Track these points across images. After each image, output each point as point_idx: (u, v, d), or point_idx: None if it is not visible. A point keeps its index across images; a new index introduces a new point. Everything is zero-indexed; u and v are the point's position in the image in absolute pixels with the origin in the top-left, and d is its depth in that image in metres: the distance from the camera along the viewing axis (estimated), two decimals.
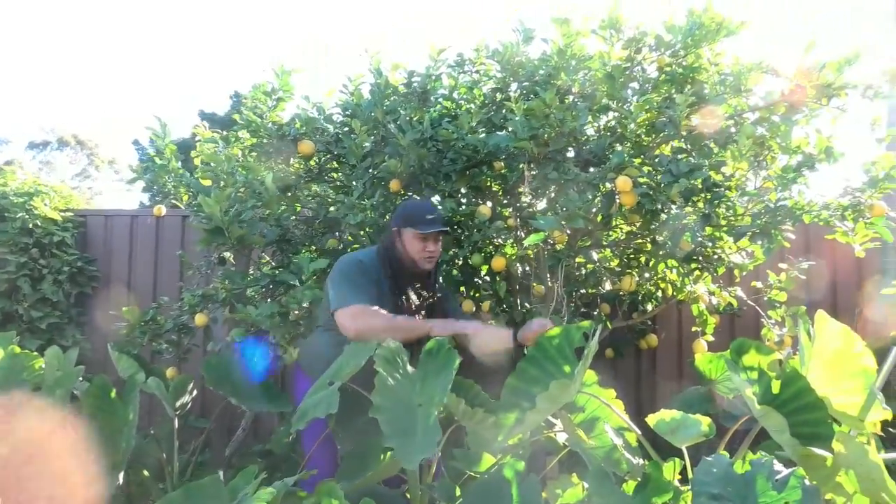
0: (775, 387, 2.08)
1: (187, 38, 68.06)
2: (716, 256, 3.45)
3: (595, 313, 3.77)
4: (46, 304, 4.73)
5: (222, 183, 3.57)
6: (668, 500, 2.08)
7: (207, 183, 3.39)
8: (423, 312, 2.91)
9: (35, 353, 3.28)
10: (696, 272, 3.63)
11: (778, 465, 1.68)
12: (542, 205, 3.50)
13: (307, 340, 2.94)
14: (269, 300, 3.43)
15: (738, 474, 1.68)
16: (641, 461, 2.29)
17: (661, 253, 3.63)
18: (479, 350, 2.59)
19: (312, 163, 3.67)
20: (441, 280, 3.13)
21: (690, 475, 2.25)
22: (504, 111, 3.58)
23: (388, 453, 2.44)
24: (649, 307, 3.92)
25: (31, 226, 4.72)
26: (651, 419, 2.36)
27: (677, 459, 2.26)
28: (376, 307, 2.64)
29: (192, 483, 2.01)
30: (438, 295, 3.02)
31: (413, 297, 2.91)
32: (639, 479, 2.17)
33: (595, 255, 3.78)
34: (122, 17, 67.27)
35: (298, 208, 3.61)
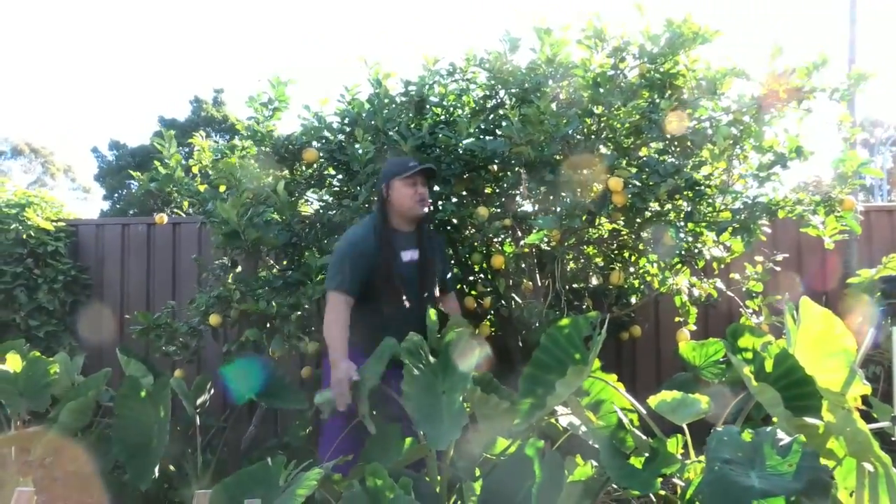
0: (768, 366, 2.31)
1: (142, 43, 67.22)
2: (696, 251, 3.69)
3: (584, 307, 3.98)
4: (42, 313, 4.81)
5: (222, 189, 3.72)
6: (675, 470, 2.30)
7: (222, 189, 3.53)
8: (419, 274, 3.16)
9: (51, 359, 3.40)
10: (678, 266, 3.87)
11: (781, 434, 1.89)
12: (534, 205, 3.72)
13: None
14: (273, 302, 3.60)
15: (746, 442, 1.89)
16: (646, 438, 2.49)
17: (640, 247, 3.86)
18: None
19: (309, 170, 3.84)
20: (441, 246, 3.41)
21: (692, 450, 2.48)
22: (492, 117, 3.78)
23: (409, 439, 2.63)
24: (633, 300, 4.15)
25: (24, 236, 4.80)
26: (652, 400, 2.58)
27: (679, 435, 2.48)
28: (343, 298, 2.98)
29: (243, 470, 2.18)
30: (434, 256, 3.25)
31: (405, 256, 3.14)
32: (646, 455, 2.38)
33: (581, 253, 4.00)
34: (74, 23, 66.25)
35: (303, 213, 3.77)
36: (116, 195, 25.81)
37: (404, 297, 3.07)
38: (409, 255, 3.16)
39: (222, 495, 2.11)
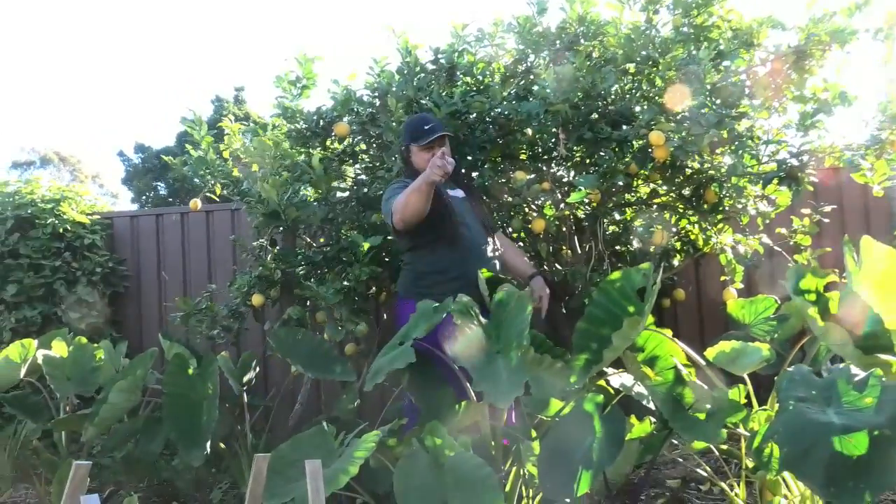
0: (833, 307, 2.23)
1: (162, 45, 67.68)
2: (740, 206, 3.60)
3: None
4: (83, 305, 4.82)
5: (254, 168, 3.69)
6: (740, 419, 2.23)
7: (255, 168, 3.51)
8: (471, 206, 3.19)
9: (96, 345, 3.40)
10: (721, 224, 3.78)
11: (855, 370, 1.82)
12: (569, 170, 3.65)
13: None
14: (313, 278, 3.57)
15: (819, 379, 1.82)
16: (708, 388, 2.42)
17: (680, 207, 3.76)
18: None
19: (339, 145, 3.80)
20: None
21: (754, 401, 2.41)
22: (523, 82, 3.71)
23: (464, 403, 2.59)
24: (675, 262, 4.06)
25: (61, 230, 4.81)
26: (710, 352, 2.51)
27: (741, 385, 2.41)
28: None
29: (299, 435, 2.15)
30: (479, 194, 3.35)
31: (451, 192, 3.15)
32: (708, 406, 2.31)
33: (617, 216, 3.93)
34: (97, 29, 66.85)
35: (338, 189, 3.74)
36: (144, 197, 26.01)
37: (466, 232, 3.05)
38: (454, 192, 3.17)
39: (280, 461, 2.09)
